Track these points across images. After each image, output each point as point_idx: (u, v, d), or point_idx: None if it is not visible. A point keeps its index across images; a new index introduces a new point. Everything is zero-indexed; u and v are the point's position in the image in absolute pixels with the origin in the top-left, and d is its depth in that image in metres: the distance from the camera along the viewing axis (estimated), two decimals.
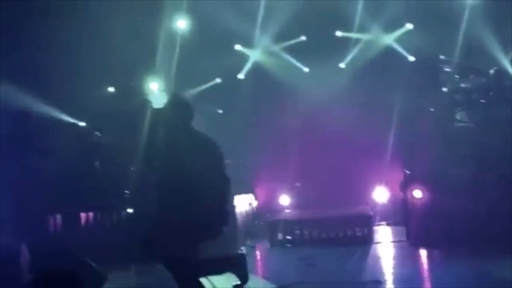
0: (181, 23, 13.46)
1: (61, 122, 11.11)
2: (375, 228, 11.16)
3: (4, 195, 9.65)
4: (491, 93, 10.08)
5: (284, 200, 12.79)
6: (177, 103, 6.07)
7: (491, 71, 10.18)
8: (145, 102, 11.29)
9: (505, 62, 11.25)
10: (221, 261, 6.39)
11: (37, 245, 7.01)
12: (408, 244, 9.62)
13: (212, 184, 5.80)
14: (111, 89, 12.66)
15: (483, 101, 10.20)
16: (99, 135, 10.81)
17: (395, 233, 10.99)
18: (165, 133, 5.99)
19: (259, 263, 9.41)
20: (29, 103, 10.71)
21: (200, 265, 6.06)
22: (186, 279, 5.88)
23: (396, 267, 8.32)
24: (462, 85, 10.69)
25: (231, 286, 6.45)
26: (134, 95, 11.55)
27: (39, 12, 11.11)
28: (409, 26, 13.20)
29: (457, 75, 10.95)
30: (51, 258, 6.76)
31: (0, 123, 10.08)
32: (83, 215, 9.97)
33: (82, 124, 11.46)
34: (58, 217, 9.73)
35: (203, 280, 6.39)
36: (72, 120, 11.29)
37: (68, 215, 9.81)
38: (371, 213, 10.53)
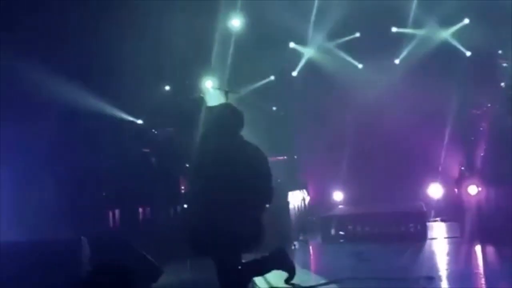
0: (236, 22, 13.62)
1: (121, 120, 11.39)
2: (429, 224, 11.07)
3: (66, 190, 10.01)
4: None
5: (338, 196, 12.80)
6: (229, 113, 6.14)
7: None
8: (200, 100, 11.50)
9: None
10: (263, 261, 6.49)
11: (96, 239, 7.19)
12: (462, 240, 9.53)
13: (257, 194, 5.89)
14: (167, 87, 12.87)
15: None
16: (156, 132, 10.98)
17: (449, 229, 10.90)
18: (216, 141, 6.03)
19: (312, 258, 9.48)
20: (89, 101, 11.03)
21: (243, 269, 6.17)
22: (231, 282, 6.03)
23: (449, 263, 8.25)
24: None
25: (283, 281, 6.59)
26: (189, 93, 11.74)
27: (97, 13, 11.40)
28: (466, 20, 13.04)
29: None
30: (109, 252, 6.96)
31: (62, 122, 10.46)
32: (140, 210, 10.22)
33: (140, 121, 11.72)
34: (117, 212, 10.01)
35: (257, 278, 6.54)
36: (130, 118, 11.56)
37: (126, 210, 10.07)
38: (425, 209, 10.45)
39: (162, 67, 12.34)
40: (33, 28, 10.41)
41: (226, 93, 10.96)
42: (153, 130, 11.06)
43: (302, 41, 14.27)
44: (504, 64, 11.17)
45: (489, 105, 10.78)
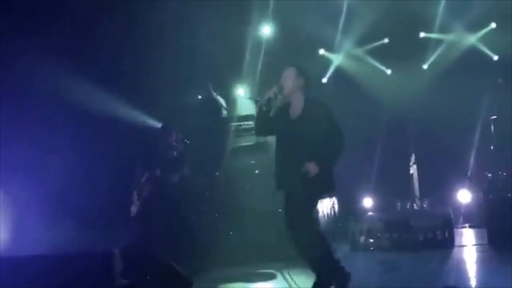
0: (266, 30, 13.82)
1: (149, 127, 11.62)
2: (458, 230, 11.11)
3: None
4: None
5: (367, 202, 12.87)
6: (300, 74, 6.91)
7: None
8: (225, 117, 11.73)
9: None
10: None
11: (125, 250, 7.35)
12: (490, 247, 9.58)
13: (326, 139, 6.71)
14: (199, 96, 13.05)
15: None
16: (187, 142, 11.15)
17: (477, 236, 10.91)
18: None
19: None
20: (119, 110, 11.32)
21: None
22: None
23: (475, 272, 8.31)
24: None
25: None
26: (216, 103, 11.92)
27: (125, 18, 11.70)
28: (492, 25, 13.07)
29: None
30: (136, 264, 7.15)
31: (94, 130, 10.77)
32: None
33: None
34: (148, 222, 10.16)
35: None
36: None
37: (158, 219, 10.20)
38: (452, 216, 10.48)
39: (194, 75, 12.58)
40: (61, 31, 10.78)
41: (257, 102, 11.16)
42: (185, 140, 11.18)
43: (331, 48, 14.40)
44: None
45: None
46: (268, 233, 9.73)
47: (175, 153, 10.32)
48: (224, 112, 12.00)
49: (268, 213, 9.95)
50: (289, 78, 6.82)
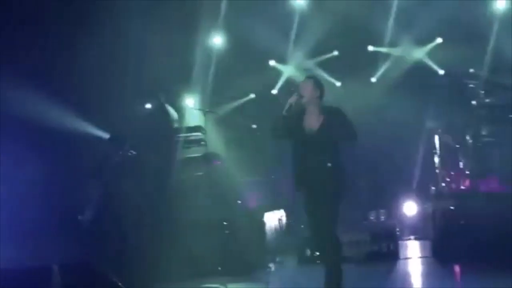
0: (217, 40, 13.77)
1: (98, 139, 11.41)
2: (403, 243, 11.19)
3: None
4: None
5: None
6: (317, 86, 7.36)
7: None
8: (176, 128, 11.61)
9: None
10: None
11: (67, 266, 7.17)
12: (434, 260, 9.68)
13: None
14: (148, 105, 12.86)
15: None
16: (134, 153, 10.97)
17: (422, 248, 11.01)
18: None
19: (286, 280, 9.54)
20: (74, 122, 11.09)
21: None
22: None
23: (420, 285, 8.39)
24: (487, 100, 10.75)
25: None
26: (166, 114, 11.76)
27: (76, 28, 11.49)
28: (439, 40, 13.29)
29: (483, 90, 10.97)
30: (79, 281, 6.98)
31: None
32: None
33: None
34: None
35: None
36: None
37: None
38: (397, 228, 10.57)
39: (143, 86, 12.41)
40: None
41: (205, 113, 11.12)
42: (132, 151, 10.99)
43: (281, 59, 14.42)
44: (471, 85, 11.30)
45: (458, 124, 11.00)
46: (214, 246, 9.66)
47: (120, 165, 10.13)
48: (175, 125, 11.84)
49: (215, 226, 9.90)
50: (307, 89, 7.26)
